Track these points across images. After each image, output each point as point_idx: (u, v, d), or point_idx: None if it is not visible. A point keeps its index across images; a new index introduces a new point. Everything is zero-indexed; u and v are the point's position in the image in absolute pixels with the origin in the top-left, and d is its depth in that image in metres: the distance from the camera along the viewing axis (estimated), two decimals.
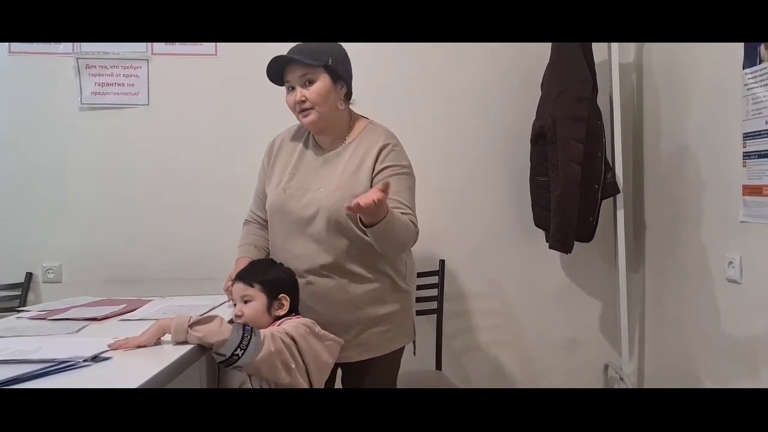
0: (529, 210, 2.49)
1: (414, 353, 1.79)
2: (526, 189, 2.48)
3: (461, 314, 2.56)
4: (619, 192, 2.38)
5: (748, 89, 1.80)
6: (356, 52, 1.69)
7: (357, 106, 1.73)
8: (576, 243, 2.31)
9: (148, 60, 2.47)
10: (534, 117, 2.43)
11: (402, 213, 1.53)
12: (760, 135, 1.76)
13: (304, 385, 1.39)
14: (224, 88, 2.49)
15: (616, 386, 2.53)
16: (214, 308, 1.71)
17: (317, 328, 1.46)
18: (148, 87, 2.48)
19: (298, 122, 1.72)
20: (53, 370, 1.09)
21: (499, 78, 2.54)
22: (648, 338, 2.54)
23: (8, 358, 1.16)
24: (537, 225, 2.48)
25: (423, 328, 1.81)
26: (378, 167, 1.60)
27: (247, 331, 1.30)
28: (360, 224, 1.47)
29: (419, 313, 1.83)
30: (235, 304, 1.52)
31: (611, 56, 2.38)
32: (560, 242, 2.30)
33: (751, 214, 1.81)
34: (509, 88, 2.53)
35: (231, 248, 1.83)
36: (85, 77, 2.46)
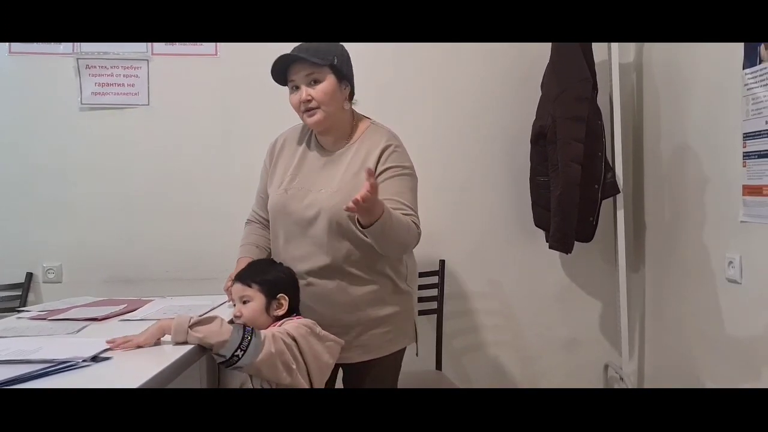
0: (529, 210, 2.49)
1: (416, 354, 1.80)
2: (526, 189, 2.48)
3: (461, 314, 2.57)
4: (619, 192, 2.38)
5: (748, 89, 1.80)
6: (356, 52, 1.69)
7: (357, 106, 1.73)
8: (576, 243, 2.31)
9: (148, 60, 2.47)
10: (534, 117, 2.43)
11: (404, 214, 1.53)
12: (760, 135, 1.76)
13: (305, 385, 1.39)
14: (224, 88, 2.49)
15: (616, 386, 2.53)
16: (214, 308, 1.71)
17: (318, 329, 1.46)
18: (148, 87, 2.48)
19: (299, 122, 1.72)
20: (53, 371, 1.09)
21: (499, 78, 2.54)
22: (648, 338, 2.54)
23: (9, 359, 1.16)
24: (537, 225, 2.48)
25: (423, 328, 1.81)
26: (380, 168, 1.60)
27: (247, 331, 1.30)
28: (358, 225, 1.46)
29: (419, 313, 1.83)
30: (235, 305, 1.52)
31: (611, 56, 2.38)
32: (560, 242, 2.30)
33: (751, 214, 1.81)
34: (509, 89, 2.54)
35: (231, 248, 1.84)
36: (85, 77, 2.46)
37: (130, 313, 1.67)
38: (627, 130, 2.48)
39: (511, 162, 2.53)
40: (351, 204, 1.33)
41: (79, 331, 1.46)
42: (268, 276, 1.52)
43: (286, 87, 1.65)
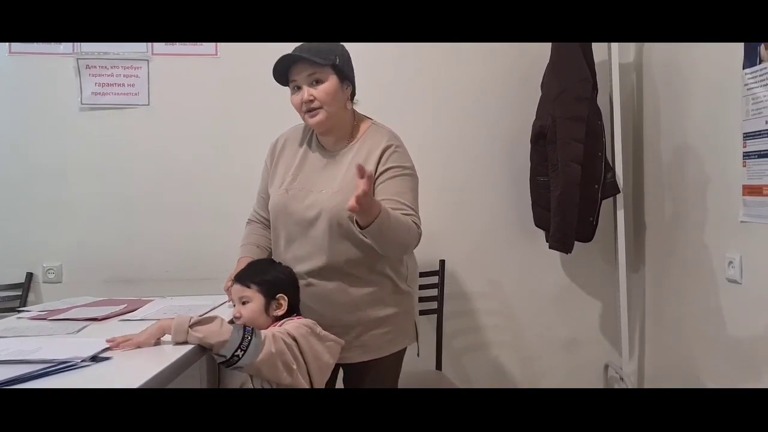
0: (529, 210, 2.49)
1: (418, 354, 1.80)
2: (526, 189, 2.48)
3: (461, 314, 2.56)
4: (619, 192, 2.38)
5: (748, 89, 1.80)
6: (357, 52, 1.69)
7: (358, 106, 1.73)
8: (576, 243, 2.31)
9: (148, 60, 2.47)
10: (534, 117, 2.43)
11: (404, 214, 1.52)
12: (760, 135, 1.76)
13: (305, 385, 1.39)
14: (224, 88, 2.49)
15: (616, 386, 2.53)
16: (215, 308, 1.71)
17: (318, 329, 1.46)
18: (149, 87, 2.48)
19: (300, 122, 1.72)
20: (53, 371, 1.09)
21: (499, 78, 2.54)
22: (648, 338, 2.54)
23: (8, 359, 1.16)
24: (537, 225, 2.48)
25: (423, 328, 1.81)
26: (380, 169, 1.59)
27: (247, 332, 1.30)
28: (357, 226, 1.46)
29: (419, 313, 1.83)
30: (235, 305, 1.52)
31: (611, 56, 2.38)
32: (560, 242, 2.30)
33: (751, 214, 1.81)
34: (509, 89, 2.54)
35: (231, 248, 1.84)
36: (85, 77, 2.46)
37: (130, 313, 1.67)
38: (627, 130, 2.48)
39: (511, 162, 2.53)
40: (352, 203, 1.33)
41: (79, 331, 1.46)
42: (266, 276, 1.51)
43: (287, 87, 1.65)
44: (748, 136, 1.81)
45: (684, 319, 2.25)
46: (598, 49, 2.39)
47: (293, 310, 1.52)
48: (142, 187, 2.49)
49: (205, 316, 1.33)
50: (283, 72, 1.62)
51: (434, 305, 2.41)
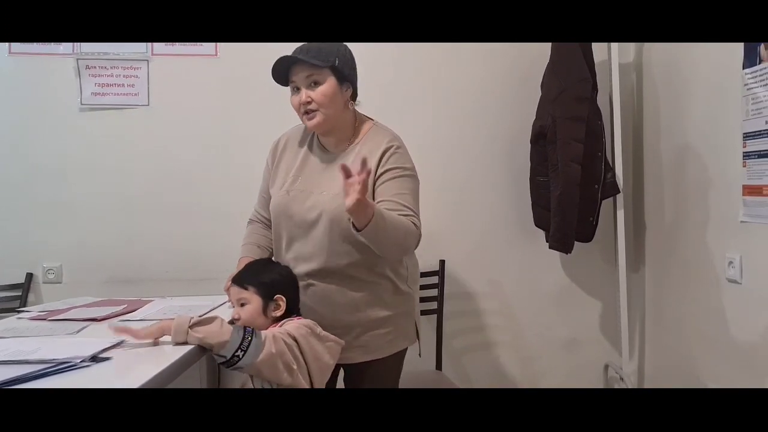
0: (529, 210, 2.49)
1: (419, 355, 1.80)
2: (526, 189, 2.48)
3: (461, 314, 2.56)
4: (619, 192, 2.38)
5: (748, 89, 1.80)
6: (356, 52, 1.68)
7: (358, 106, 1.73)
8: (576, 243, 2.31)
9: (148, 60, 2.47)
10: (534, 117, 2.43)
11: (404, 215, 1.52)
12: (760, 135, 1.76)
13: (306, 385, 1.39)
14: (224, 88, 2.49)
15: (616, 386, 2.53)
16: (215, 308, 1.71)
17: (318, 329, 1.46)
18: (148, 87, 2.48)
19: (301, 122, 1.72)
20: (53, 371, 1.09)
21: (499, 78, 2.54)
22: (648, 338, 2.54)
23: (8, 359, 1.16)
24: (537, 225, 2.48)
25: (423, 328, 1.81)
26: (380, 170, 1.59)
27: (247, 332, 1.30)
28: (353, 229, 1.45)
29: (420, 313, 1.83)
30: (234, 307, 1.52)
31: (611, 56, 2.38)
32: (560, 242, 2.30)
33: (751, 214, 1.81)
34: (509, 88, 2.54)
35: (231, 248, 1.84)
36: (85, 78, 2.46)
37: (130, 314, 1.67)
38: (627, 130, 2.48)
39: (511, 162, 2.53)
40: (349, 203, 1.33)
41: (79, 331, 1.46)
42: (264, 278, 1.51)
43: (287, 87, 1.65)
44: (748, 136, 1.81)
45: (684, 319, 2.25)
46: (598, 49, 2.39)
47: (292, 311, 1.52)
48: (142, 187, 2.49)
49: (205, 316, 1.33)
50: (283, 72, 1.62)
51: (434, 305, 2.41)
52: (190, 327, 1.26)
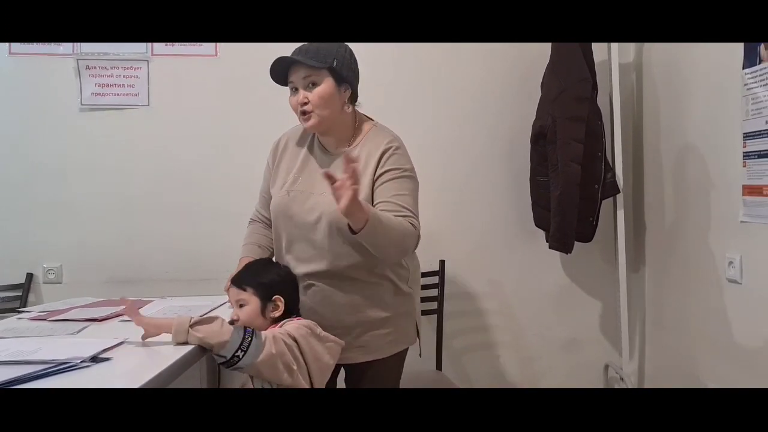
0: (529, 210, 2.49)
1: (420, 355, 1.80)
2: (526, 189, 2.48)
3: (461, 314, 2.56)
4: (619, 192, 2.38)
5: (748, 89, 1.80)
6: (357, 52, 1.68)
7: (358, 107, 1.72)
8: (576, 243, 2.31)
9: (148, 61, 2.47)
10: (534, 117, 2.43)
11: (402, 216, 1.52)
12: (760, 135, 1.76)
13: (306, 386, 1.39)
14: (224, 88, 2.49)
15: (616, 386, 2.53)
16: (215, 309, 1.71)
17: (318, 330, 1.46)
18: (149, 88, 2.48)
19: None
20: (53, 371, 1.09)
21: (499, 78, 2.54)
22: (648, 338, 2.54)
23: (8, 359, 1.16)
24: (537, 225, 2.48)
25: (423, 328, 1.81)
26: (379, 171, 1.58)
27: (248, 332, 1.30)
28: (350, 231, 1.45)
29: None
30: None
31: (611, 56, 2.38)
32: (560, 242, 2.30)
33: (751, 214, 1.81)
34: (509, 88, 2.54)
35: (231, 248, 1.84)
36: (85, 78, 2.46)
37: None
38: (627, 130, 2.48)
39: (511, 162, 2.53)
40: (343, 206, 1.33)
41: (79, 331, 1.46)
42: (262, 278, 1.51)
43: (287, 87, 1.65)
44: (748, 136, 1.81)
45: (684, 319, 2.25)
46: (598, 49, 2.39)
47: (292, 312, 1.52)
48: (142, 187, 2.49)
49: (205, 316, 1.33)
50: (282, 73, 1.61)
51: (434, 305, 2.41)
52: (191, 326, 1.27)
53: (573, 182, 2.23)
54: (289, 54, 1.59)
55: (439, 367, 2.40)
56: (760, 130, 1.76)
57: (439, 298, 2.42)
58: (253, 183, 1.86)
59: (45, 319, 1.60)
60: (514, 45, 2.47)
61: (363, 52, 1.71)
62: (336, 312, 1.60)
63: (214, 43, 2.48)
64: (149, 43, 2.46)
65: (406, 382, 1.76)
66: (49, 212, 2.46)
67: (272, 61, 1.59)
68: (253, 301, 1.48)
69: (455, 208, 2.55)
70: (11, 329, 1.48)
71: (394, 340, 1.66)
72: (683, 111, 2.20)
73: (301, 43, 1.61)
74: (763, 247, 1.79)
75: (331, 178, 1.34)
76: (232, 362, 1.28)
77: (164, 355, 1.21)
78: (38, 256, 2.48)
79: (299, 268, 1.61)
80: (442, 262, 2.47)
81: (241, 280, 1.52)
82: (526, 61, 2.50)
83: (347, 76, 1.61)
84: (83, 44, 2.44)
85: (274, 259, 1.72)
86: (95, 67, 2.46)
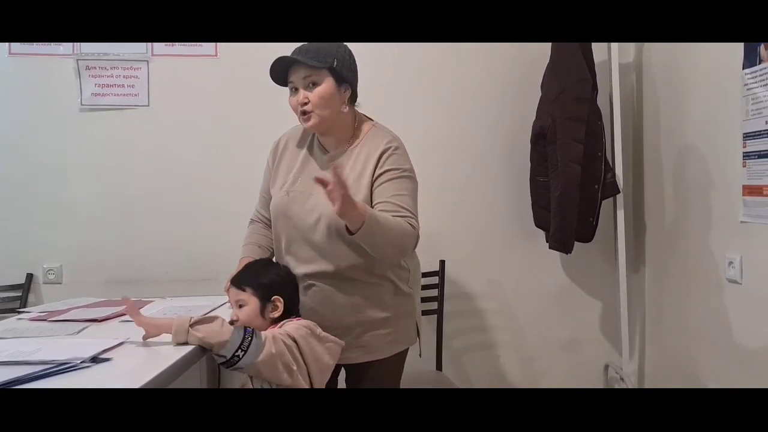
0: (529, 210, 2.49)
1: (420, 355, 1.80)
2: (526, 189, 2.48)
3: (461, 314, 2.56)
4: (619, 192, 2.38)
5: (748, 89, 1.80)
6: (356, 52, 1.68)
7: (358, 107, 1.72)
8: (576, 243, 2.31)
9: (148, 61, 2.47)
10: (534, 117, 2.43)
11: (401, 216, 1.51)
12: (760, 135, 1.76)
13: (306, 386, 1.39)
14: (224, 88, 2.49)
15: (616, 386, 2.53)
16: (215, 309, 1.71)
17: (318, 330, 1.46)
18: (149, 88, 2.48)
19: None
20: (53, 372, 1.09)
21: (499, 78, 2.54)
22: (648, 338, 2.54)
23: (8, 360, 1.16)
24: (537, 225, 2.48)
25: (423, 328, 1.81)
26: (378, 171, 1.58)
27: (248, 332, 1.30)
28: (347, 232, 1.45)
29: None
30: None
31: (611, 56, 2.38)
32: (560, 242, 2.30)
33: (751, 214, 1.81)
34: (509, 89, 2.54)
35: (231, 249, 1.83)
36: (85, 78, 2.46)
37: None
38: (627, 130, 2.48)
39: (511, 162, 2.53)
40: (337, 209, 1.33)
41: (79, 332, 1.46)
42: (261, 279, 1.51)
43: (286, 87, 1.64)
44: (748, 136, 1.81)
45: (684, 319, 2.25)
46: (598, 49, 2.39)
47: (291, 312, 1.52)
48: (142, 187, 2.49)
49: (205, 316, 1.33)
50: (282, 73, 1.61)
51: (434, 305, 2.41)
52: (191, 326, 1.27)
53: (573, 182, 2.23)
54: (288, 54, 1.59)
55: (439, 367, 2.40)
56: (760, 130, 1.76)
57: (439, 299, 2.42)
58: (253, 183, 1.86)
59: (45, 320, 1.60)
60: (514, 45, 2.47)
61: (363, 52, 1.71)
62: (336, 312, 1.60)
63: (214, 44, 2.48)
64: (149, 44, 2.46)
65: (406, 382, 1.76)
66: (49, 212, 2.46)
67: (272, 61, 1.59)
68: (252, 302, 1.48)
69: (455, 208, 2.55)
70: (11, 330, 1.48)
71: (395, 340, 1.66)
72: (683, 111, 2.20)
73: (301, 43, 1.61)
74: (763, 247, 1.79)
75: (322, 182, 1.34)
76: (232, 362, 1.28)
77: (164, 356, 1.21)
78: (38, 257, 2.48)
79: (299, 269, 1.61)
80: (442, 262, 2.47)
81: (241, 280, 1.52)
82: (526, 61, 2.50)
83: (347, 76, 1.61)
84: (83, 44, 2.44)
85: (274, 259, 1.72)
86: (95, 68, 2.46)
